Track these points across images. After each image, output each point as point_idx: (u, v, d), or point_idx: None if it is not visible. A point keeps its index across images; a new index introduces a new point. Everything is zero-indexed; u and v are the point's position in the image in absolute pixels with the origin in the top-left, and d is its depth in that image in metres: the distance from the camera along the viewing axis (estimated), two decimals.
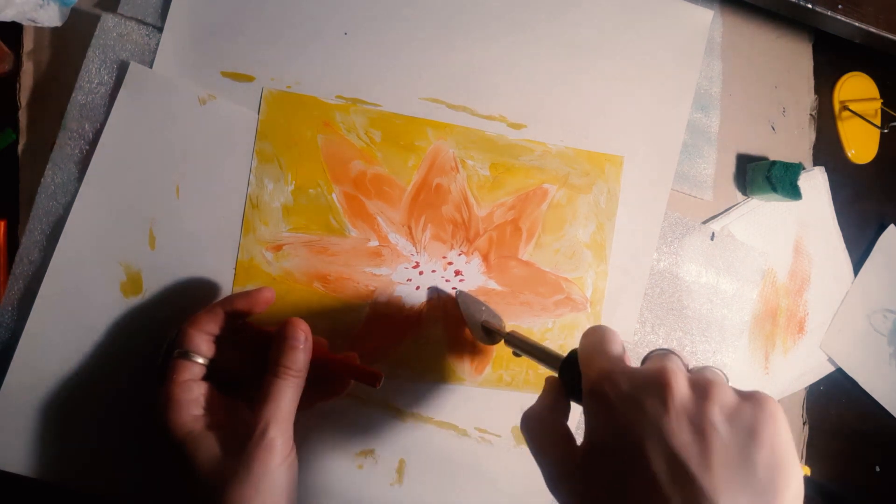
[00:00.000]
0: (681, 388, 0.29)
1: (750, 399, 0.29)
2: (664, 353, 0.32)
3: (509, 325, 0.51)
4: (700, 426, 0.28)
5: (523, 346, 0.44)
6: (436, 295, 0.50)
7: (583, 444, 0.32)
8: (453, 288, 0.50)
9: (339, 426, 0.49)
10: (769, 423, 0.28)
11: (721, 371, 0.31)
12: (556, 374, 0.39)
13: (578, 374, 0.34)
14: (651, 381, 0.30)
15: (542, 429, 0.35)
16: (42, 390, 0.43)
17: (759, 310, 0.60)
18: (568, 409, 0.36)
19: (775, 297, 0.61)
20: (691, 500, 0.26)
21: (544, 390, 0.38)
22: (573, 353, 0.37)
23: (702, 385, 0.29)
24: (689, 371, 0.31)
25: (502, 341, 0.46)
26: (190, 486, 0.37)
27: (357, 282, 0.48)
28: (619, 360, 0.32)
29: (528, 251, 0.52)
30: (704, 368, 0.31)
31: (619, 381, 0.31)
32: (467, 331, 0.50)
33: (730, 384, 0.30)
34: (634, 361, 0.33)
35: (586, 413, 0.32)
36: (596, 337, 0.34)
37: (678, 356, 0.32)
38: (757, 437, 0.28)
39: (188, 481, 0.37)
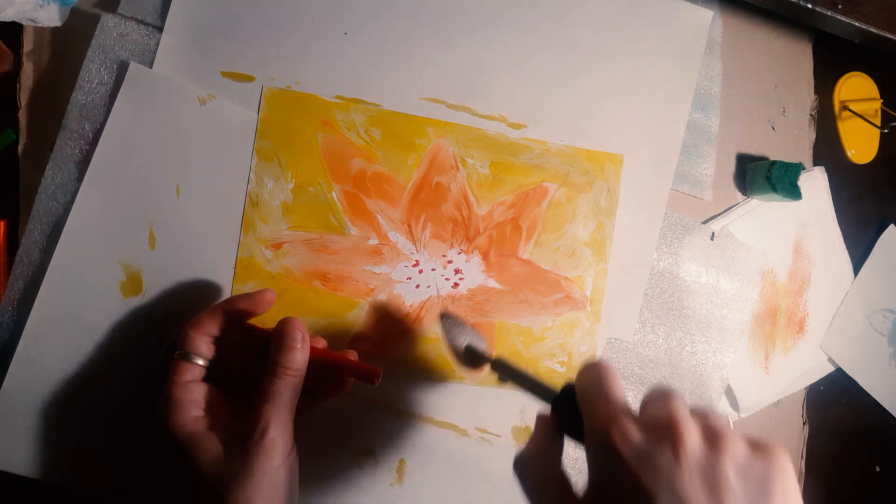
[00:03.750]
0: (693, 439, 0.28)
1: (762, 452, 0.29)
2: (667, 394, 0.31)
3: (508, 323, 0.52)
4: (713, 481, 0.27)
5: (511, 374, 0.41)
6: (436, 293, 0.50)
7: (585, 495, 0.31)
8: (440, 314, 0.47)
9: (339, 426, 0.48)
10: (780, 480, 0.28)
11: (726, 418, 0.31)
12: (546, 409, 0.37)
13: (574, 411, 0.33)
14: (662, 432, 0.29)
15: (536, 474, 0.34)
16: (42, 390, 0.43)
17: (759, 310, 0.60)
18: (562, 449, 0.35)
19: (775, 297, 0.61)
20: None
21: (536, 429, 0.36)
22: (569, 389, 0.35)
23: (714, 436, 0.29)
24: (693, 414, 0.30)
25: (488, 368, 0.43)
26: (190, 486, 0.37)
27: (357, 280, 0.48)
28: (625, 407, 0.31)
29: (527, 250, 0.52)
30: (711, 415, 0.30)
31: (628, 431, 0.29)
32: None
33: (737, 434, 0.30)
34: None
35: (591, 462, 0.31)
36: (598, 377, 0.33)
37: (680, 397, 0.31)
38: (769, 494, 0.27)
39: (189, 482, 0.37)
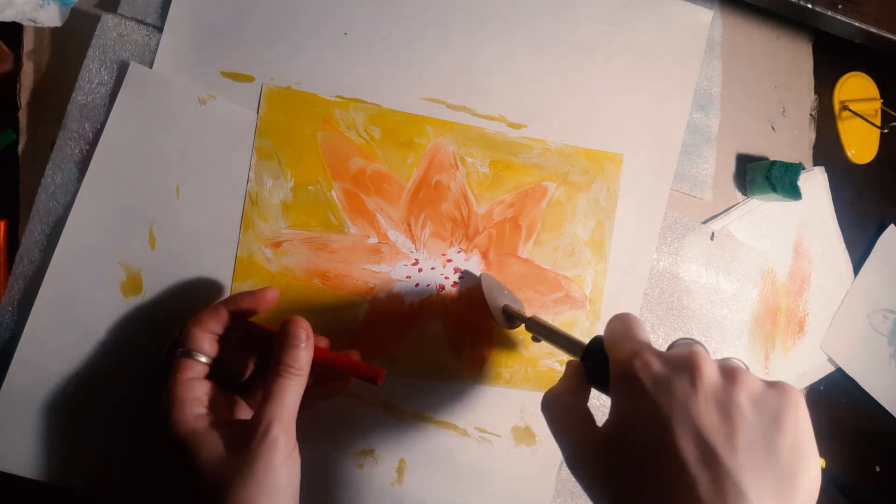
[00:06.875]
0: (710, 371, 0.30)
1: (775, 387, 0.30)
2: (691, 342, 0.33)
3: None
4: (727, 409, 0.29)
5: (544, 332, 0.44)
6: (435, 292, 0.50)
7: (607, 424, 0.33)
8: (483, 270, 0.50)
9: (339, 426, 0.48)
10: (792, 411, 0.29)
11: (744, 362, 0.32)
12: (577, 360, 0.39)
13: (601, 362, 0.35)
14: (681, 363, 0.31)
15: (563, 409, 0.36)
16: (42, 390, 0.43)
17: (759, 310, 0.60)
18: (588, 392, 0.37)
19: (775, 297, 0.61)
20: (717, 480, 0.27)
21: (566, 373, 0.39)
22: (597, 340, 0.38)
23: (730, 371, 0.31)
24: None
25: (522, 326, 0.47)
26: (191, 485, 0.36)
27: (356, 279, 0.48)
28: (648, 344, 0.33)
29: (527, 249, 0.52)
30: (729, 358, 0.32)
31: (649, 361, 0.31)
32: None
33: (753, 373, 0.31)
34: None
35: (613, 394, 0.33)
36: (624, 323, 0.36)
37: (703, 346, 0.33)
38: (781, 424, 0.29)
39: (190, 480, 0.37)
